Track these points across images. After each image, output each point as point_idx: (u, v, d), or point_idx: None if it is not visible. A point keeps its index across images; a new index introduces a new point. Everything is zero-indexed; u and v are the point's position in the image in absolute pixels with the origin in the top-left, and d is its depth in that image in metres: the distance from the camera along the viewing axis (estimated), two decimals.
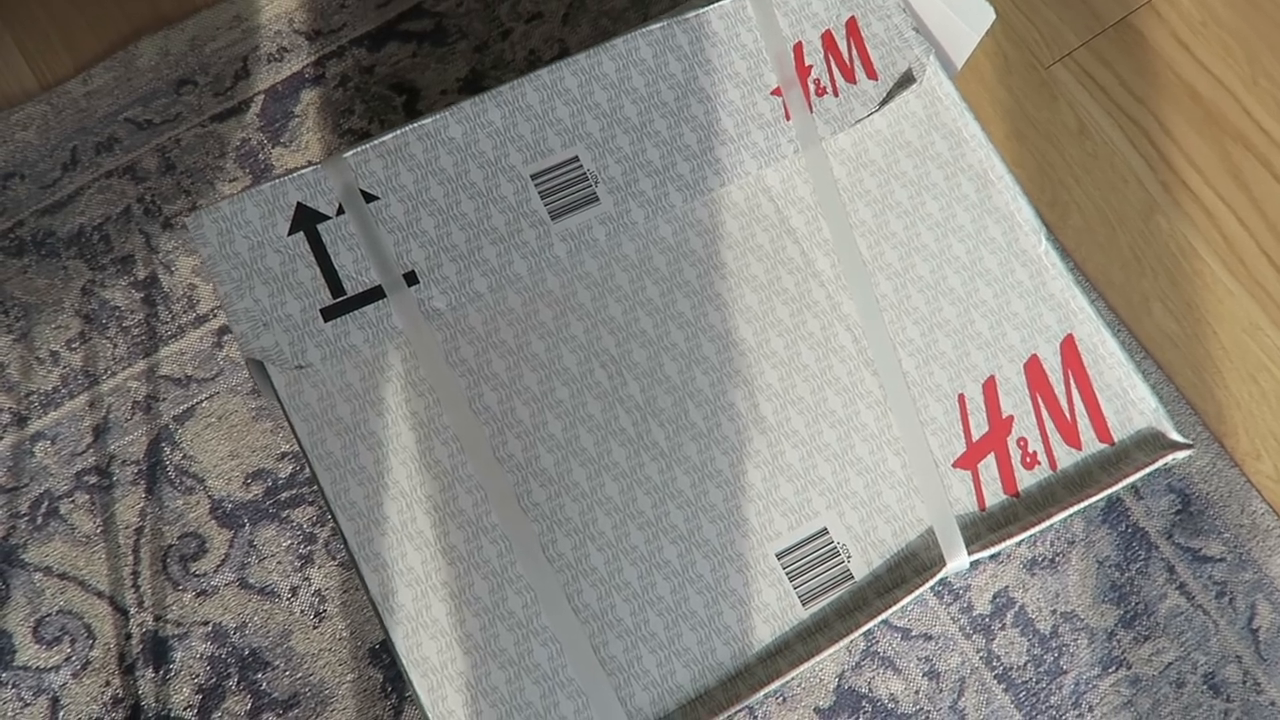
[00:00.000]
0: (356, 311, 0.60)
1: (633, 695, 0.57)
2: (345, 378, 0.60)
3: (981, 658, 0.92)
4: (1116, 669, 0.92)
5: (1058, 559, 0.94)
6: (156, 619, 0.90)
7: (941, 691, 0.91)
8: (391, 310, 0.61)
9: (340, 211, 0.62)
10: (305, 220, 0.61)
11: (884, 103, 0.67)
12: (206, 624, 0.90)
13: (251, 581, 0.91)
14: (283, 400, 0.59)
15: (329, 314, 0.60)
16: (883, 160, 0.66)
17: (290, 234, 0.61)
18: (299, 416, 0.59)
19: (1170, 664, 0.92)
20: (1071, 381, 0.63)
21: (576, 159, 0.64)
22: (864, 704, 0.90)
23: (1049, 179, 1.02)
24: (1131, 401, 0.63)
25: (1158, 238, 1.02)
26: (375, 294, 0.61)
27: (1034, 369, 0.63)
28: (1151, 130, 1.04)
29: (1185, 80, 1.06)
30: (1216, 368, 0.99)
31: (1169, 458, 0.61)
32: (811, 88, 0.67)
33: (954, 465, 0.62)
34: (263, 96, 1.03)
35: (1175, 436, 0.62)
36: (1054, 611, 0.93)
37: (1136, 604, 0.94)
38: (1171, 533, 0.95)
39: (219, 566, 0.91)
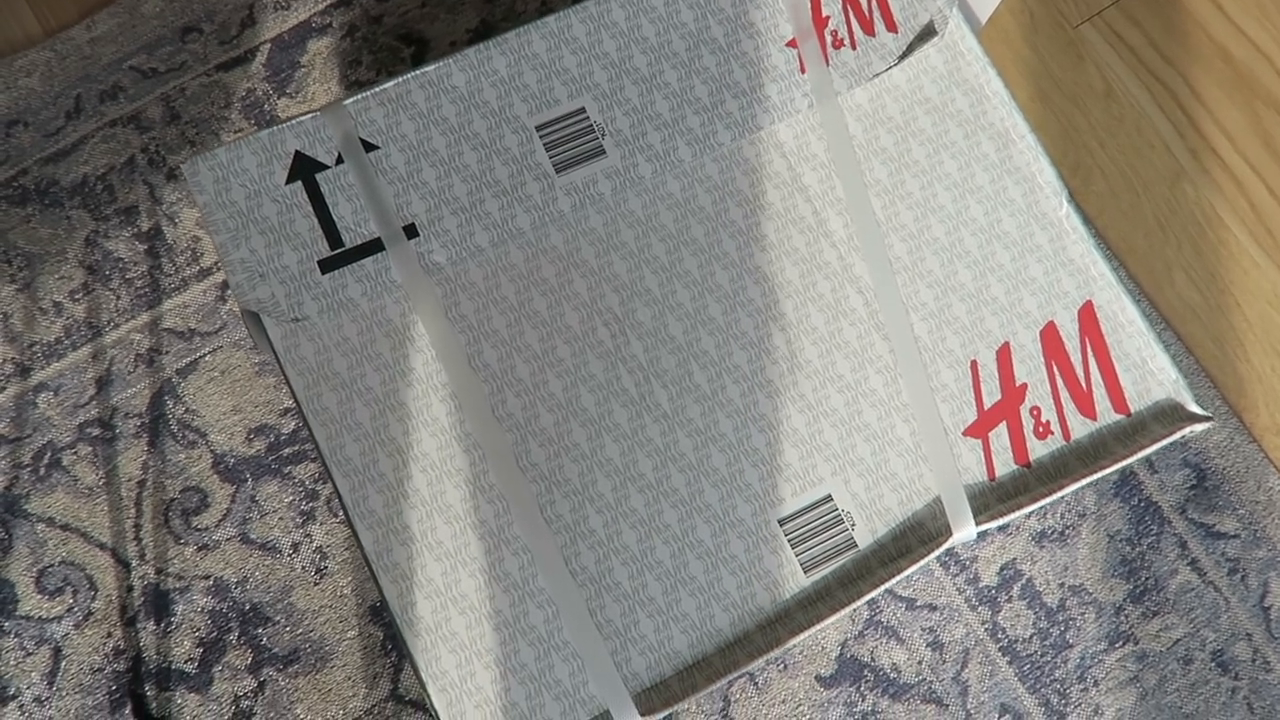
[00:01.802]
0: (355, 264, 0.59)
1: (629, 660, 0.56)
2: (342, 332, 0.58)
3: (986, 629, 0.91)
4: (1123, 644, 0.91)
5: (1068, 532, 0.92)
6: (158, 572, 0.90)
7: (945, 662, 0.90)
8: (390, 263, 0.59)
9: (339, 161, 0.60)
10: (303, 169, 0.60)
11: (903, 56, 0.64)
12: (208, 578, 0.90)
13: (253, 537, 0.91)
14: (278, 354, 0.57)
15: (326, 266, 0.59)
16: (900, 117, 0.64)
17: (288, 183, 0.59)
18: (295, 371, 0.57)
19: (1179, 640, 0.91)
20: (1089, 349, 0.61)
21: (583, 110, 0.62)
22: (866, 673, 0.89)
23: (1072, 143, 0.99)
24: (1150, 372, 0.61)
25: (1183, 205, 0.99)
26: (374, 246, 0.59)
27: (1050, 336, 0.61)
28: (1180, 93, 1.01)
29: (1217, 42, 1.02)
30: (1239, 340, 0.97)
31: (1187, 430, 0.59)
32: (828, 39, 0.64)
33: (964, 433, 0.60)
34: (269, 46, 1.01)
35: (1194, 409, 0.60)
36: (1062, 585, 0.92)
37: (1146, 579, 0.92)
38: (1185, 508, 0.94)
39: (220, 521, 0.91)
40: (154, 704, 0.87)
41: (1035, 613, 0.91)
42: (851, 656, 0.90)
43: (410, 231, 0.60)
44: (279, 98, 1.00)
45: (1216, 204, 0.99)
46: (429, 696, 0.55)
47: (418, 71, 0.61)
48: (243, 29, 1.02)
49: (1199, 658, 0.91)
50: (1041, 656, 0.90)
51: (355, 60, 1.01)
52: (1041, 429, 0.60)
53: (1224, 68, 1.02)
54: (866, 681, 0.89)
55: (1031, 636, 0.91)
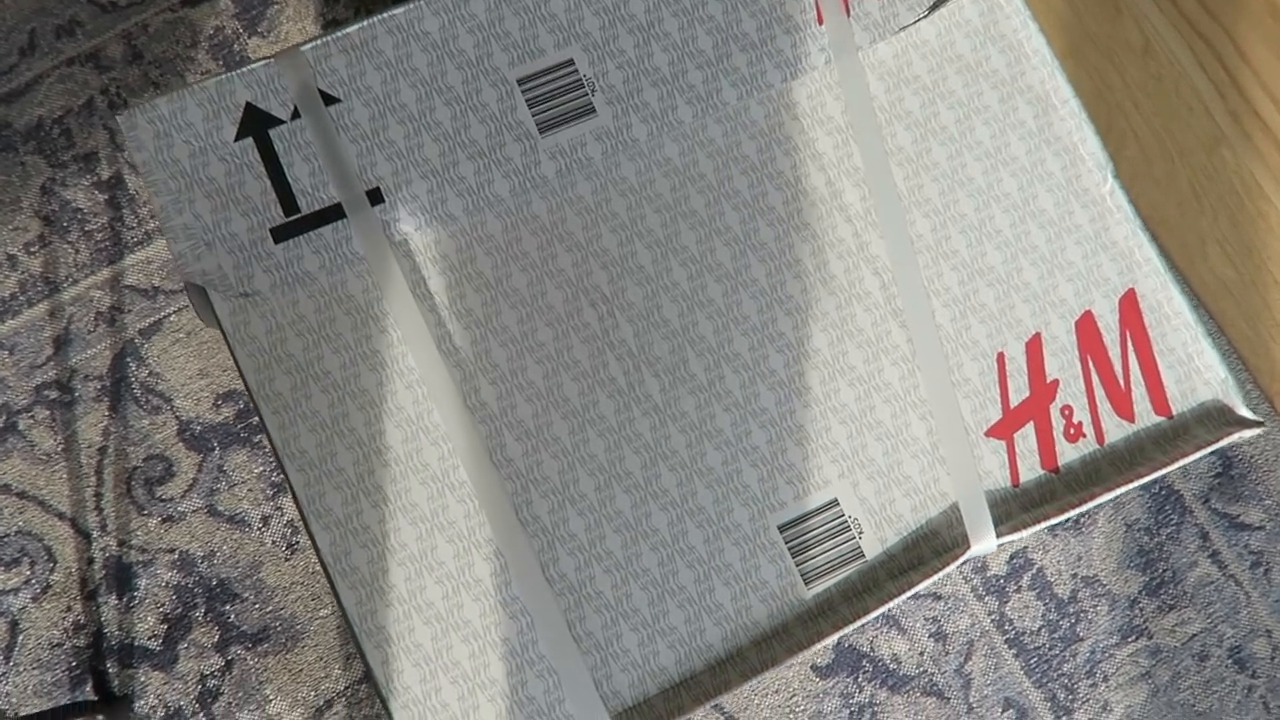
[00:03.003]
0: (312, 233, 0.53)
1: (610, 676, 0.51)
2: (298, 309, 0.52)
3: (993, 620, 0.86)
4: (1136, 638, 0.86)
5: (1083, 519, 0.87)
6: (120, 544, 0.85)
7: (948, 654, 0.86)
8: (352, 233, 0.53)
9: (295, 115, 0.53)
10: (255, 124, 0.53)
11: (934, 7, 0.57)
12: (172, 551, 0.85)
13: (221, 509, 0.86)
14: (227, 333, 0.51)
15: (280, 234, 0.52)
16: (928, 77, 0.57)
17: (237, 139, 0.53)
18: (244, 352, 0.51)
19: (1195, 635, 0.87)
20: (1129, 343, 0.55)
21: (571, 62, 0.55)
22: (864, 663, 0.85)
23: (1105, 103, 0.92)
24: (1196, 369, 0.55)
25: (1221, 173, 0.92)
26: (334, 213, 0.53)
27: (1087, 327, 0.55)
28: (1224, 52, 0.93)
29: None
30: (1274, 320, 0.90)
31: (1235, 436, 0.53)
32: None
33: (986, 434, 0.54)
34: None
35: (1244, 412, 0.54)
36: (1074, 575, 0.87)
37: (1164, 571, 0.87)
38: (1209, 497, 0.88)
39: (186, 492, 0.86)
40: (116, 681, 0.83)
41: (1045, 604, 0.86)
42: (850, 645, 0.85)
43: (375, 197, 0.53)
44: (249, 37, 0.93)
45: (1257, 172, 0.92)
46: (390, 714, 0.50)
47: (385, 14, 0.54)
48: None
49: (1215, 654, 0.86)
50: (1050, 650, 0.86)
51: None
52: (1073, 431, 0.54)
53: (1273, 24, 0.94)
54: (865, 672, 0.85)
55: (1040, 629, 0.86)
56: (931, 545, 0.53)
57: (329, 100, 0.54)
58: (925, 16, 0.57)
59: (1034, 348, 0.55)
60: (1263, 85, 0.93)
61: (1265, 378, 0.89)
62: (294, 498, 0.51)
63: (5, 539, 0.85)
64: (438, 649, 0.50)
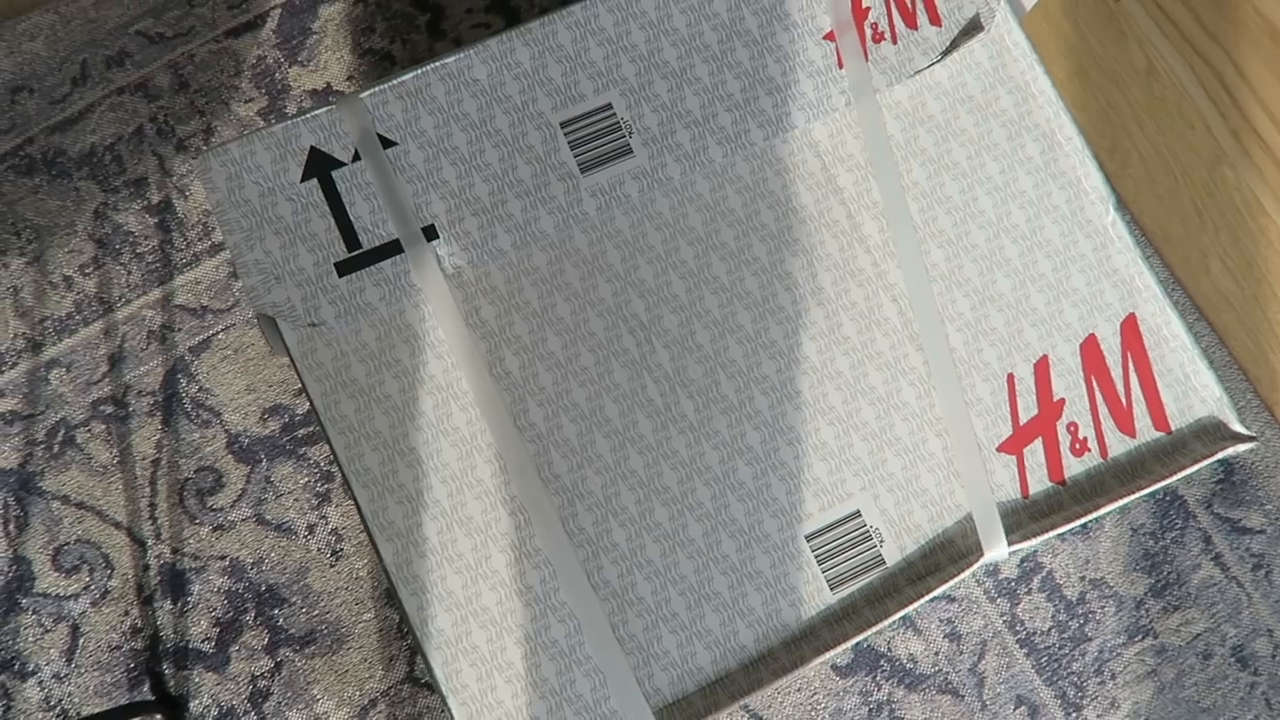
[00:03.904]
0: (373, 267, 0.57)
1: (651, 675, 0.55)
2: (360, 337, 0.57)
3: (1005, 621, 0.90)
4: (1142, 638, 0.90)
5: (1091, 525, 0.91)
6: (174, 551, 0.90)
7: (962, 654, 0.90)
8: (409, 266, 0.57)
9: (356, 157, 0.58)
10: (319, 166, 0.57)
11: (947, 52, 0.61)
12: (223, 558, 0.89)
13: (268, 518, 0.90)
14: (295, 360, 0.56)
15: (344, 269, 0.57)
16: (941, 116, 0.61)
17: (303, 180, 0.57)
18: (312, 378, 0.56)
19: (1198, 635, 0.90)
20: (1130, 364, 0.59)
21: (610, 106, 0.59)
22: (882, 663, 0.89)
23: (1110, 123, 0.96)
24: (1193, 388, 0.59)
25: (1223, 190, 0.96)
26: (392, 248, 0.57)
27: (1090, 349, 0.59)
28: (1225, 73, 0.97)
29: (1266, 18, 0.98)
30: (1274, 332, 0.94)
31: (1230, 450, 0.57)
32: (868, 32, 0.61)
33: (998, 449, 0.58)
34: (279, 11, 0.98)
35: (1238, 428, 0.58)
36: (1083, 578, 0.91)
37: (1169, 573, 0.91)
38: (1211, 502, 0.92)
39: (235, 502, 0.90)
40: (171, 682, 0.88)
41: (1055, 605, 0.90)
42: (868, 646, 0.89)
43: (430, 233, 0.58)
44: (290, 66, 0.97)
45: (1257, 189, 0.96)
46: (450, 710, 0.54)
47: (437, 63, 0.59)
48: None
49: (1218, 653, 0.90)
50: (1059, 649, 0.90)
51: (369, 27, 0.98)
52: (1079, 446, 0.58)
53: (1272, 46, 0.98)
54: (883, 671, 0.89)
55: (1050, 629, 0.90)
56: (948, 553, 0.57)
57: (387, 144, 0.58)
58: (939, 60, 0.61)
59: (1041, 369, 0.59)
60: (1262, 105, 0.97)
61: (1265, 388, 0.93)
62: (359, 511, 0.55)
63: (65, 547, 0.89)
64: (493, 650, 0.54)
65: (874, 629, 0.55)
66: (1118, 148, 0.95)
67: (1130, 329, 0.59)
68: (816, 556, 0.57)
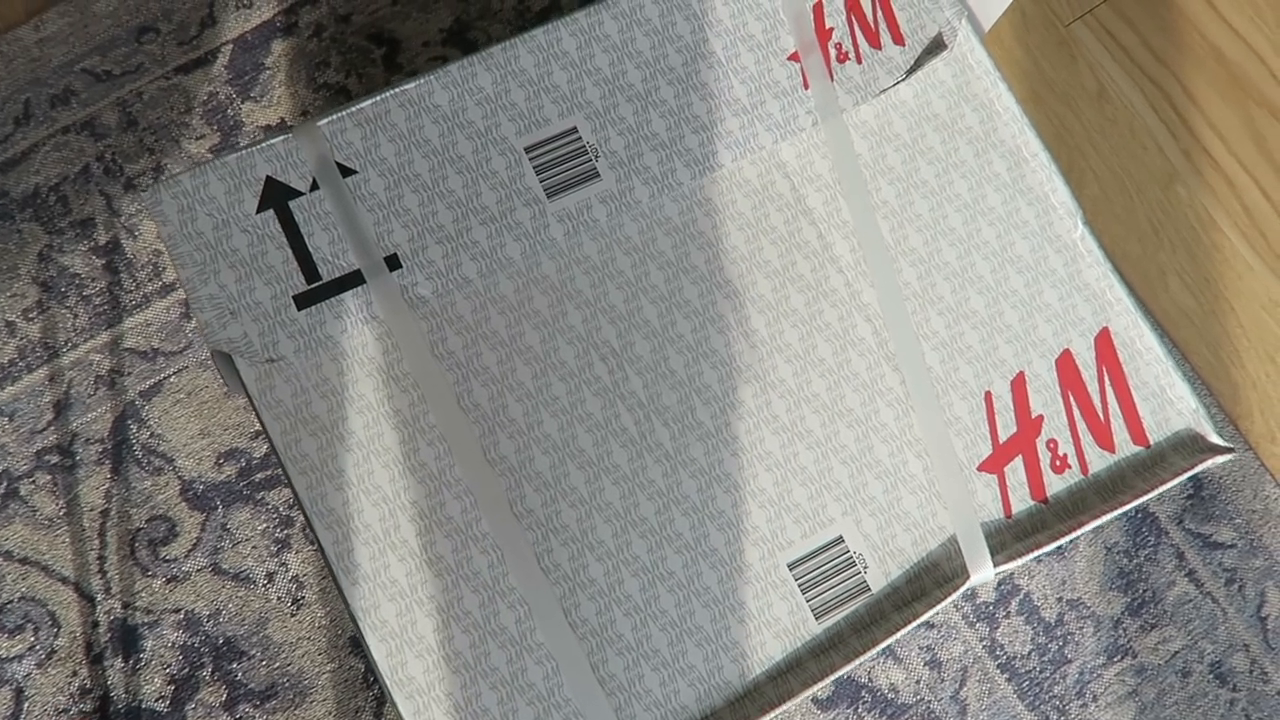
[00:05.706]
0: (333, 299, 0.55)
1: (634, 716, 0.53)
2: (321, 372, 0.54)
3: (985, 646, 0.89)
4: (1122, 658, 0.89)
5: (1065, 545, 0.91)
6: (125, 606, 0.85)
7: (943, 681, 0.88)
8: (371, 297, 0.55)
9: (314, 187, 0.56)
10: (275, 196, 0.55)
11: (911, 71, 0.61)
12: (178, 611, 0.85)
13: (225, 567, 0.86)
14: (253, 398, 0.53)
15: (302, 301, 0.55)
16: (908, 134, 0.61)
17: (259, 211, 0.55)
18: (271, 415, 0.53)
19: (1177, 653, 0.90)
20: (1106, 379, 0.59)
21: (575, 130, 0.58)
22: (863, 694, 0.87)
23: (1065, 145, 0.97)
24: (1169, 401, 0.59)
25: (1177, 208, 0.97)
26: (354, 279, 0.55)
27: (1066, 365, 0.59)
28: (1174, 94, 0.99)
29: (1211, 42, 1.00)
30: (1234, 346, 0.95)
31: (1208, 463, 0.57)
32: (832, 52, 0.61)
33: (979, 469, 0.58)
34: (230, 46, 0.96)
35: (1215, 439, 0.58)
36: (1060, 599, 0.90)
37: (1144, 591, 0.91)
38: (1182, 518, 0.92)
39: (190, 551, 0.86)
40: None
41: (1033, 628, 0.90)
42: (849, 678, 0.88)
43: (392, 263, 0.56)
44: (243, 102, 0.95)
45: (1210, 207, 0.97)
46: None
47: (397, 90, 0.57)
48: (202, 29, 0.96)
49: (1197, 670, 0.90)
50: (1040, 673, 0.89)
51: (323, 61, 0.96)
52: (1059, 463, 0.58)
53: (1217, 68, 1.00)
54: (864, 703, 0.87)
55: (1030, 653, 0.89)
56: (933, 577, 0.56)
57: (346, 172, 0.56)
58: (904, 79, 0.61)
59: (1019, 386, 0.58)
60: (1210, 124, 0.99)
61: (1229, 401, 0.94)
62: (323, 555, 0.53)
63: (8, 606, 0.85)
64: (467, 696, 0.52)
65: (862, 658, 0.53)
66: (1073, 169, 0.96)
67: (1104, 343, 0.59)
68: (800, 585, 0.55)
